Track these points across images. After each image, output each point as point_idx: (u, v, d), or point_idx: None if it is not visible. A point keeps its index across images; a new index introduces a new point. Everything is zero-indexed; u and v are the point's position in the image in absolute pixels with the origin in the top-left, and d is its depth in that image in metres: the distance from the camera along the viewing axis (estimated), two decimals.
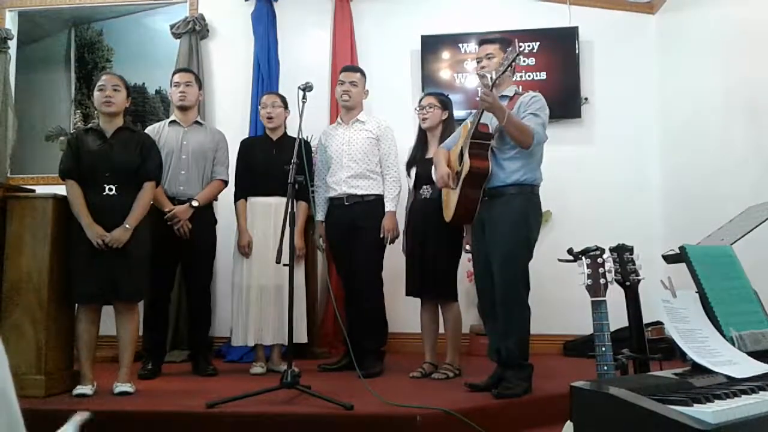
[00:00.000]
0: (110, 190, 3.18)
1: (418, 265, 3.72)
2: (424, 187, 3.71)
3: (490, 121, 3.14)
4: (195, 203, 3.81)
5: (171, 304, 4.15)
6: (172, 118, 4.04)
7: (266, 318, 3.79)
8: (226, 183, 4.01)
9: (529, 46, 4.92)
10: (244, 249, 3.85)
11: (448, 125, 3.75)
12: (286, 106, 4.05)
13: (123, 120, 3.36)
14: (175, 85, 3.97)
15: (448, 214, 3.28)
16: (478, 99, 3.04)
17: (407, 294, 3.84)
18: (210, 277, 4.06)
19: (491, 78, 2.96)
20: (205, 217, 3.90)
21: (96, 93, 3.32)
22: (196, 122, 4.03)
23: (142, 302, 3.46)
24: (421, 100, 3.90)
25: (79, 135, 3.35)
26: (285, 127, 4.08)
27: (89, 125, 3.49)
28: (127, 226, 3.13)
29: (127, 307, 3.23)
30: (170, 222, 3.73)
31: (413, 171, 3.81)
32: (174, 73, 4.08)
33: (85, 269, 3.12)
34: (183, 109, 3.97)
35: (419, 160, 3.77)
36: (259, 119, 4.19)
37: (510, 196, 3.10)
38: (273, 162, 3.83)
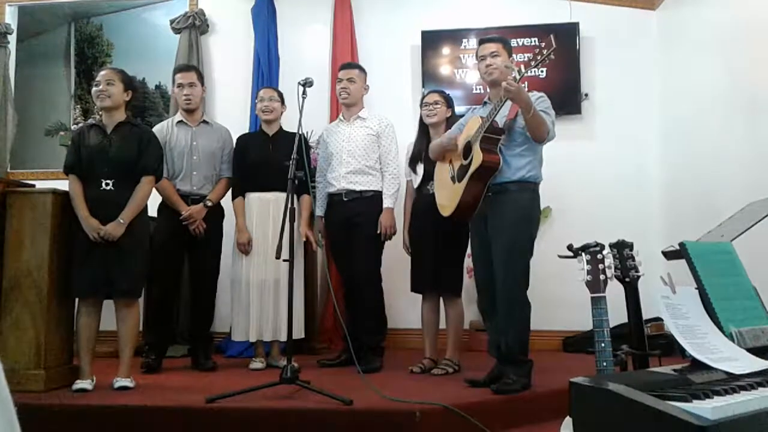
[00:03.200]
0: (107, 185, 3.18)
1: (426, 261, 3.71)
2: (431, 183, 3.69)
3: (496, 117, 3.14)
4: (209, 203, 3.85)
5: (175, 299, 4.14)
6: (179, 117, 4.03)
7: (266, 314, 3.79)
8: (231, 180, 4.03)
9: (529, 42, 4.92)
10: (244, 247, 3.85)
11: (451, 123, 3.73)
12: (282, 101, 4.05)
13: (125, 114, 3.35)
14: (179, 87, 3.97)
15: (447, 209, 3.27)
16: (490, 95, 3.00)
17: (413, 290, 3.84)
18: (217, 272, 4.06)
19: (519, 71, 2.94)
20: (213, 213, 3.93)
21: (93, 88, 3.34)
22: (204, 121, 4.04)
23: (143, 298, 3.46)
24: (424, 97, 3.89)
25: (82, 131, 3.36)
26: (281, 122, 4.08)
27: (90, 120, 3.48)
28: (121, 220, 3.13)
29: (125, 302, 3.22)
30: (186, 222, 3.76)
31: (419, 168, 3.80)
32: (176, 72, 4.08)
33: (82, 264, 3.13)
34: (189, 111, 3.98)
35: (425, 157, 3.76)
36: (256, 113, 4.18)
37: (514, 193, 3.10)
38: (269, 157, 3.85)
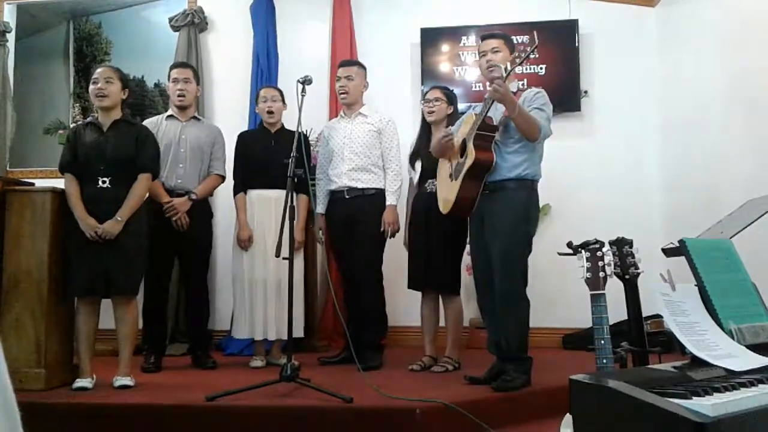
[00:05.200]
0: (103, 182, 3.17)
1: (422, 259, 3.72)
2: (429, 181, 3.70)
3: (493, 113, 3.14)
4: (193, 196, 3.82)
5: (170, 297, 4.15)
6: (169, 112, 4.03)
7: (266, 313, 3.79)
8: (223, 178, 4.02)
9: (528, 39, 4.91)
10: (245, 243, 3.85)
11: (453, 120, 3.72)
12: (283, 101, 4.05)
13: (121, 112, 3.34)
14: (173, 81, 3.96)
15: (446, 206, 3.28)
16: (488, 91, 3.01)
17: (409, 287, 3.84)
18: (206, 270, 4.06)
19: (506, 69, 2.94)
20: (201, 210, 3.91)
21: (90, 87, 3.32)
22: (194, 117, 4.03)
23: (141, 296, 3.46)
24: (426, 94, 3.89)
25: (78, 129, 3.35)
26: (282, 120, 4.07)
27: (89, 119, 3.47)
28: (118, 218, 3.12)
29: (123, 300, 3.21)
30: (168, 214, 3.74)
31: (418, 165, 3.81)
32: (172, 68, 4.07)
33: (80, 262, 3.13)
34: (182, 107, 3.97)
35: (423, 154, 3.76)
36: (256, 111, 4.18)
37: (511, 190, 3.10)
38: (271, 155, 3.83)
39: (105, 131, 3.26)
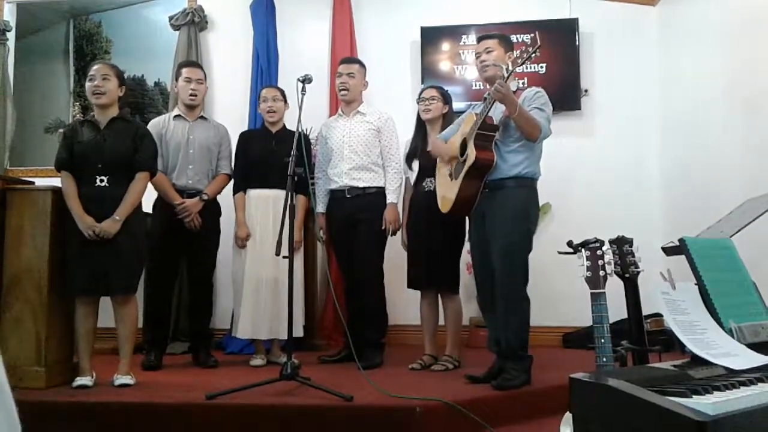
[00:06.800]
0: (101, 181, 3.16)
1: (422, 258, 3.71)
2: (428, 179, 3.70)
3: (493, 113, 3.14)
4: (205, 197, 3.83)
5: (173, 296, 4.15)
6: (176, 112, 4.02)
7: (265, 311, 3.79)
8: (230, 177, 4.02)
9: (528, 38, 4.90)
10: (242, 241, 3.85)
11: (448, 119, 3.73)
12: (285, 100, 4.05)
13: (118, 110, 3.33)
14: (186, 81, 3.94)
15: (446, 205, 3.28)
16: (489, 91, 3.02)
17: (409, 287, 3.84)
18: (213, 268, 4.06)
19: (507, 69, 2.95)
20: (210, 209, 3.92)
21: (87, 84, 3.29)
22: (201, 117, 4.03)
23: (142, 295, 3.46)
24: (422, 93, 3.89)
25: (75, 126, 3.32)
26: (283, 121, 4.07)
27: (86, 117, 3.46)
28: (116, 217, 3.10)
29: (122, 299, 3.21)
30: (181, 215, 3.75)
31: (415, 164, 3.81)
32: (182, 67, 4.06)
33: (78, 261, 3.12)
34: (191, 107, 3.97)
35: (421, 153, 3.76)
36: (258, 112, 4.18)
37: (511, 189, 3.10)
38: (272, 155, 3.83)
39: (102, 129, 3.24)
